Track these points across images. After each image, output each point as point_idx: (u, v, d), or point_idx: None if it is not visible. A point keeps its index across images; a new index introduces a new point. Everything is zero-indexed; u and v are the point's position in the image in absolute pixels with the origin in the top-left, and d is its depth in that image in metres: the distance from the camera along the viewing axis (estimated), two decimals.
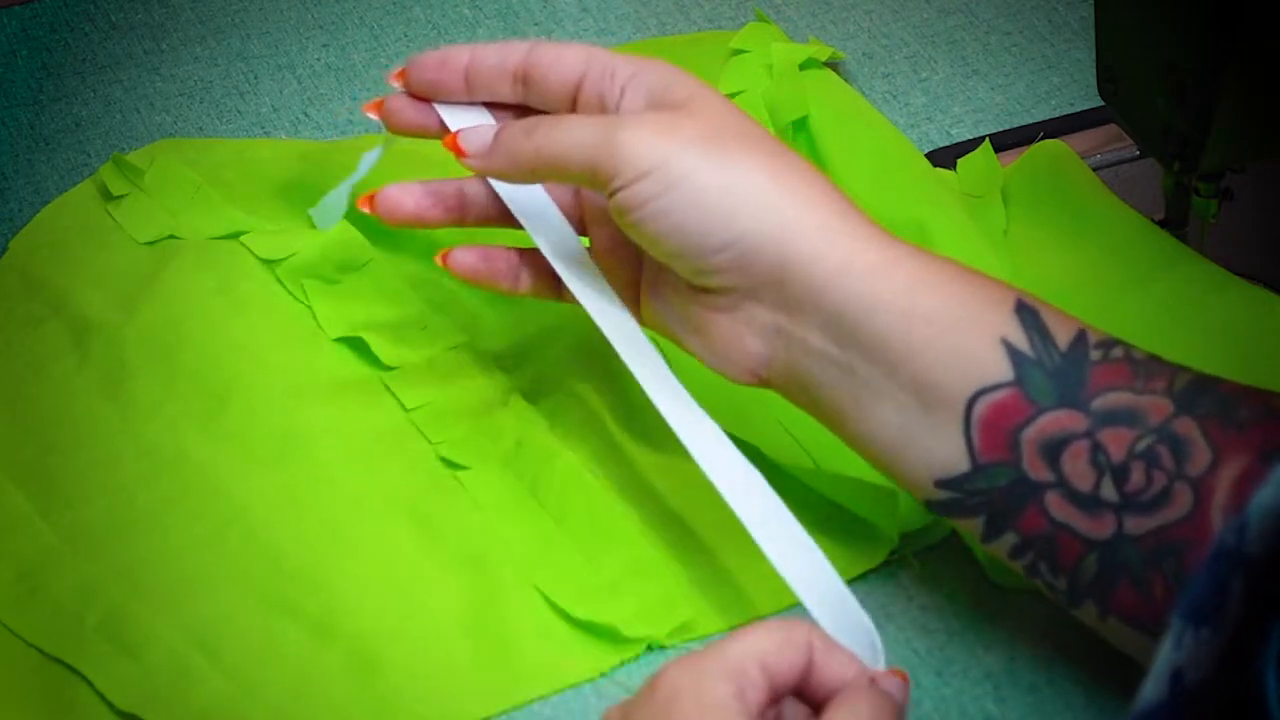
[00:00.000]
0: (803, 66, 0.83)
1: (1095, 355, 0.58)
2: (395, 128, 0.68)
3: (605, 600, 0.66)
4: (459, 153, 0.64)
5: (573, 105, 0.63)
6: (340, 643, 0.65)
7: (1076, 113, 0.86)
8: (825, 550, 0.68)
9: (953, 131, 0.86)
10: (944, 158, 0.84)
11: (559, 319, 0.75)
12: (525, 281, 0.68)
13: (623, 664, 0.65)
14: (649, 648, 0.66)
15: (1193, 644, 0.45)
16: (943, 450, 0.58)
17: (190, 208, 0.80)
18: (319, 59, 0.92)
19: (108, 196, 0.82)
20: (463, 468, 0.70)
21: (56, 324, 0.76)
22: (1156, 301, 0.74)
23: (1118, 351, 0.58)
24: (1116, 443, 0.57)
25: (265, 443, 0.71)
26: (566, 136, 0.61)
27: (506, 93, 0.65)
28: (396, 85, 0.67)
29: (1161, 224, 0.78)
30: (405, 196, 0.67)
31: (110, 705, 0.64)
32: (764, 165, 0.59)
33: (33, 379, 0.75)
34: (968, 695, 0.64)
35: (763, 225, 0.59)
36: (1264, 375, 0.70)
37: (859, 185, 0.79)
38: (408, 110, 0.67)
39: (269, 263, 0.77)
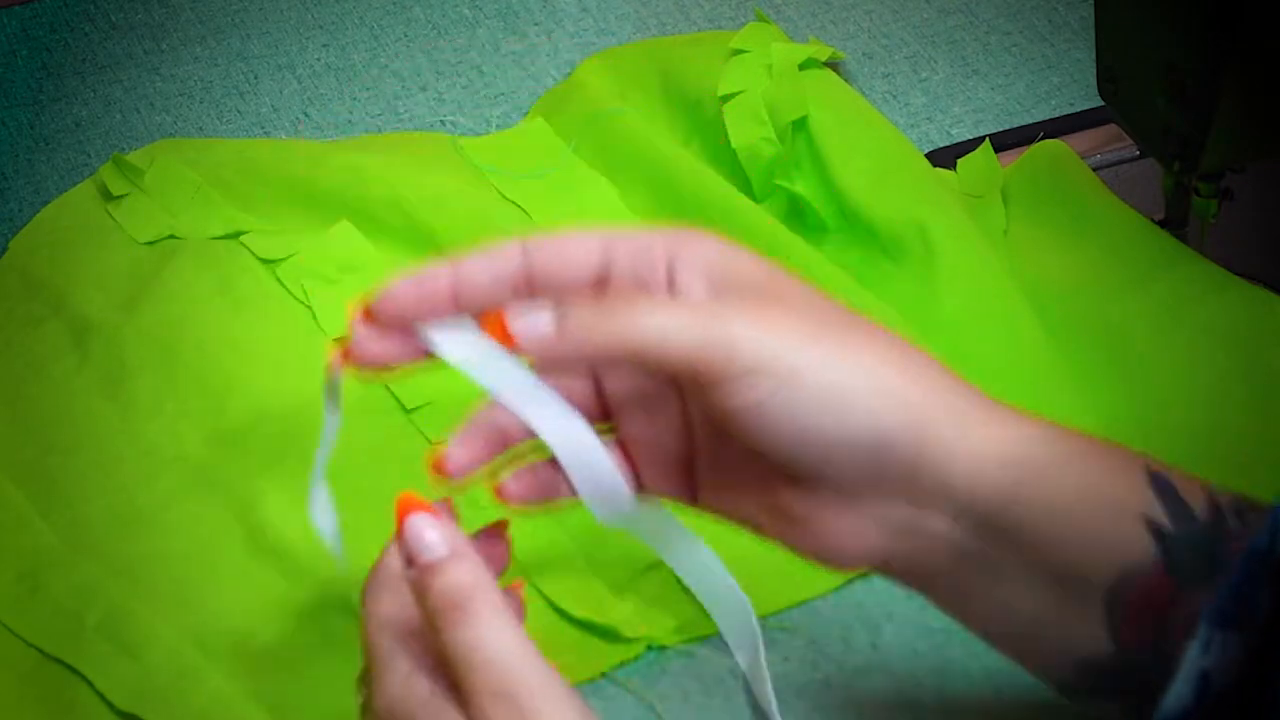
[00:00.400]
0: (802, 66, 0.83)
1: (1233, 523, 0.53)
2: (369, 364, 0.56)
3: (605, 600, 0.66)
4: (508, 341, 0.54)
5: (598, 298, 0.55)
6: (340, 642, 0.65)
7: (1076, 113, 0.86)
8: None
9: (953, 131, 0.86)
10: (944, 158, 0.84)
11: None
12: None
13: (623, 664, 0.65)
14: (649, 647, 0.66)
15: (1220, 648, 0.44)
16: (1083, 635, 0.53)
17: (190, 208, 0.80)
18: (319, 59, 0.92)
19: (108, 196, 0.82)
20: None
21: (56, 324, 0.76)
22: (1156, 301, 0.74)
23: (1253, 517, 0.53)
24: None
25: (265, 443, 0.71)
26: (661, 325, 0.52)
27: (505, 298, 0.55)
28: (361, 327, 0.55)
29: (1161, 224, 0.78)
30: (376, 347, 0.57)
31: (110, 705, 0.64)
32: (883, 353, 0.53)
33: (33, 379, 0.75)
34: (968, 695, 0.64)
35: (895, 416, 0.53)
36: (1264, 375, 0.71)
37: (859, 185, 0.79)
38: (376, 343, 0.56)
39: (269, 262, 0.78)
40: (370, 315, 0.55)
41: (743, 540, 0.69)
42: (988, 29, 0.92)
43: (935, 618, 0.66)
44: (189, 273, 0.77)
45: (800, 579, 0.68)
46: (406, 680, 0.51)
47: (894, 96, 0.89)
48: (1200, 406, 0.70)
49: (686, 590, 0.67)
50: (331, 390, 0.57)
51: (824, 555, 0.55)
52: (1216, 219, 0.76)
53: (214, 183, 0.81)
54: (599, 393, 0.57)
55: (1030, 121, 0.86)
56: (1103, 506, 0.52)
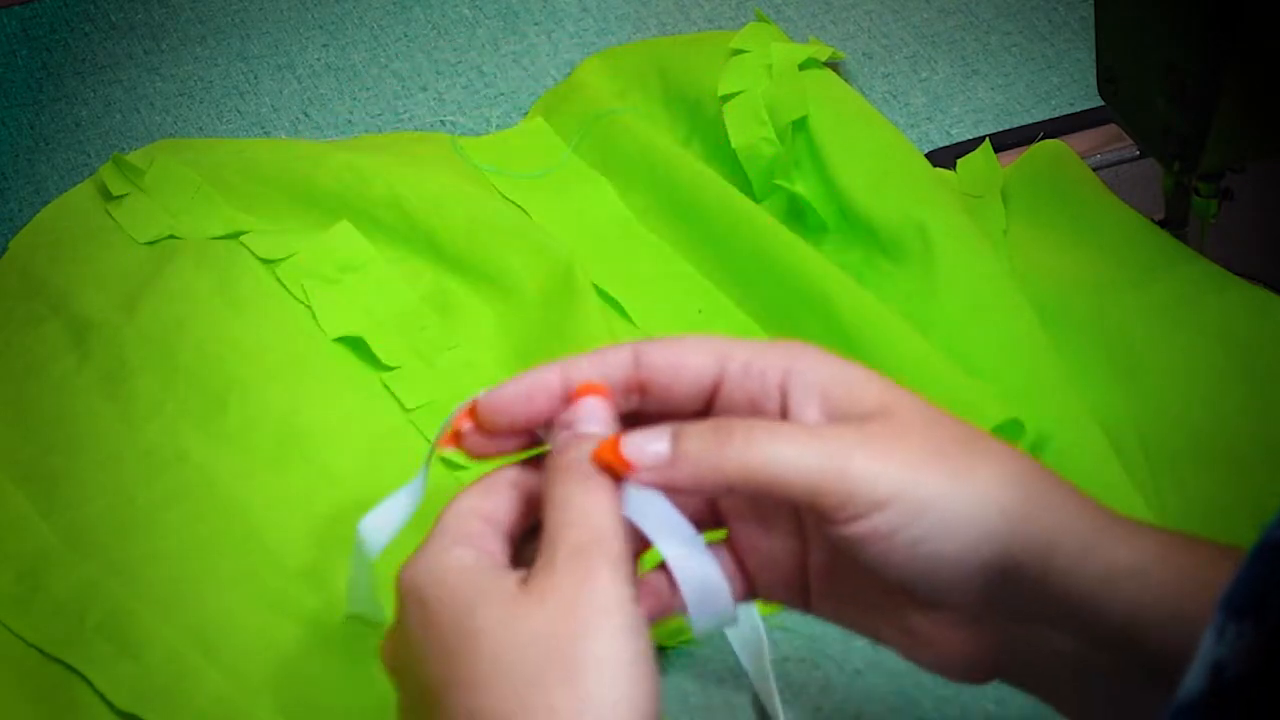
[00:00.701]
0: (802, 67, 0.83)
1: None
2: (483, 457, 0.55)
3: None
4: (624, 466, 0.52)
5: (707, 411, 0.55)
6: (340, 642, 0.65)
7: (1076, 113, 0.87)
8: None
9: (953, 131, 0.86)
10: (944, 158, 0.84)
11: (559, 318, 0.75)
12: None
13: None
14: None
15: (1234, 638, 0.44)
16: None
17: (190, 208, 0.81)
18: (319, 59, 0.92)
19: (108, 196, 0.82)
20: (462, 468, 0.70)
21: (56, 324, 0.76)
22: (1156, 301, 0.74)
23: None
24: None
25: (265, 442, 0.71)
26: (782, 456, 0.51)
27: (622, 405, 0.55)
28: (467, 428, 0.55)
29: (1161, 224, 0.78)
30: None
31: (110, 705, 0.64)
32: (1005, 473, 0.53)
33: (33, 379, 0.75)
34: (968, 695, 0.64)
35: (1021, 539, 0.52)
36: (1263, 375, 0.71)
37: (859, 186, 0.79)
38: (487, 444, 0.55)
39: (269, 262, 0.78)
40: (477, 418, 0.54)
41: None
42: (988, 29, 0.92)
43: None
44: (189, 273, 0.77)
45: None
46: (447, 550, 0.50)
47: (894, 96, 0.89)
48: (1199, 406, 0.70)
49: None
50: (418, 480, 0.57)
51: (945, 668, 0.54)
52: (1216, 219, 0.76)
53: (214, 183, 0.81)
54: (711, 500, 0.57)
55: (1030, 121, 0.86)
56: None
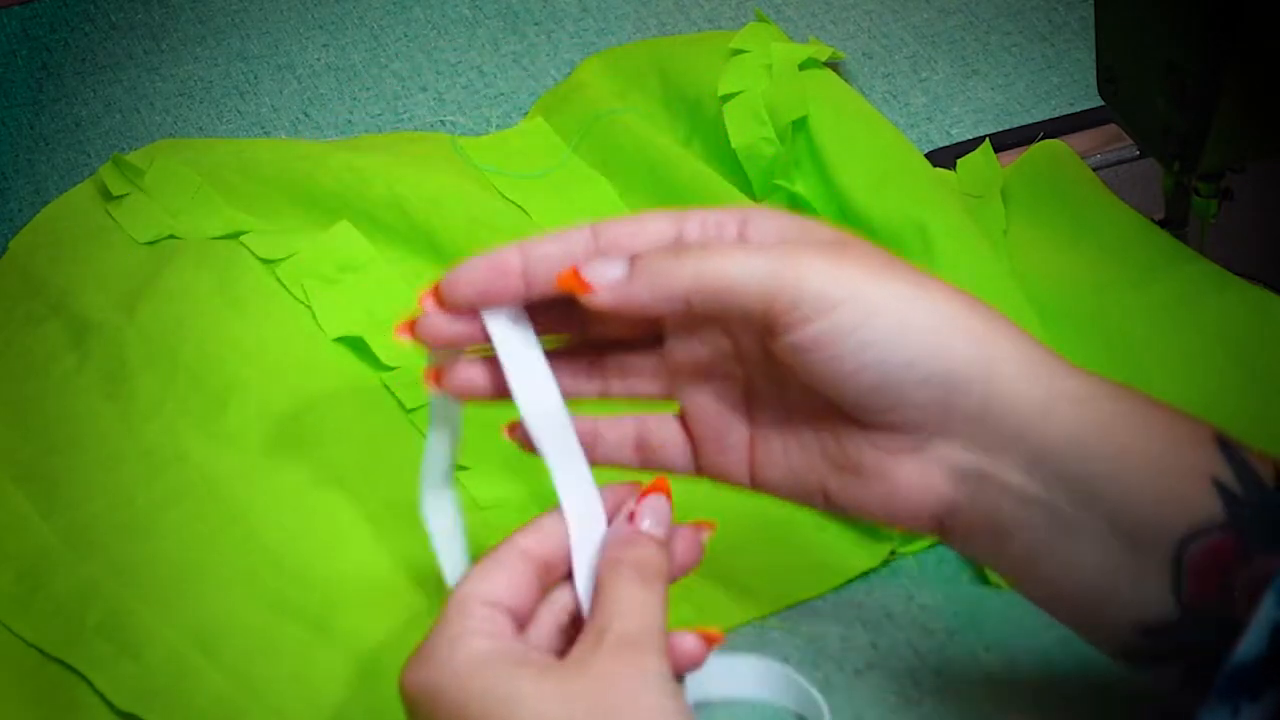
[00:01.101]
0: (802, 67, 0.83)
1: None
2: (435, 344, 0.56)
3: None
4: (583, 287, 0.54)
5: None
6: (340, 642, 0.65)
7: (1076, 113, 0.87)
8: (824, 550, 0.68)
9: (953, 131, 0.86)
10: (944, 158, 0.84)
11: None
12: (601, 455, 0.59)
13: None
14: None
15: None
16: (1149, 595, 0.53)
17: (190, 208, 0.81)
18: (319, 59, 0.92)
19: (108, 196, 0.82)
20: (462, 468, 0.70)
21: (56, 323, 0.76)
22: (1156, 301, 0.74)
23: None
24: None
25: (265, 442, 0.71)
26: (735, 265, 0.53)
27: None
28: (428, 305, 0.56)
29: (1161, 224, 0.78)
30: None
31: (110, 705, 0.64)
32: (953, 294, 0.54)
33: (33, 379, 0.75)
34: (968, 695, 0.64)
35: (967, 354, 0.53)
36: (1263, 375, 0.71)
37: (859, 185, 0.79)
38: (445, 324, 0.56)
39: (269, 262, 0.78)
40: (439, 295, 0.55)
41: (742, 542, 0.69)
42: (988, 29, 0.92)
43: (935, 618, 0.66)
44: (189, 273, 0.77)
45: (800, 579, 0.68)
46: (454, 645, 0.51)
47: (894, 96, 0.89)
48: (1199, 406, 0.70)
49: (684, 589, 0.67)
50: (440, 406, 0.58)
51: (892, 509, 0.55)
52: (1216, 219, 0.77)
53: (214, 183, 0.81)
54: (668, 370, 0.58)
55: (1030, 121, 0.86)
56: (1173, 464, 0.52)
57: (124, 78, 0.92)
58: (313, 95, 0.90)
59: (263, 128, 0.89)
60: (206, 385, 0.73)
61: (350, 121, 0.89)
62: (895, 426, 0.54)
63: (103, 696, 0.64)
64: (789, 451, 0.57)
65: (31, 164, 0.87)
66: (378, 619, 0.66)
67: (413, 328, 0.56)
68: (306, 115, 0.89)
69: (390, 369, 0.74)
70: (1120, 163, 0.84)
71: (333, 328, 0.75)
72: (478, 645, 0.50)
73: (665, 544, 0.53)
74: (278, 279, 0.77)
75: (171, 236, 0.80)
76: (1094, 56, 0.76)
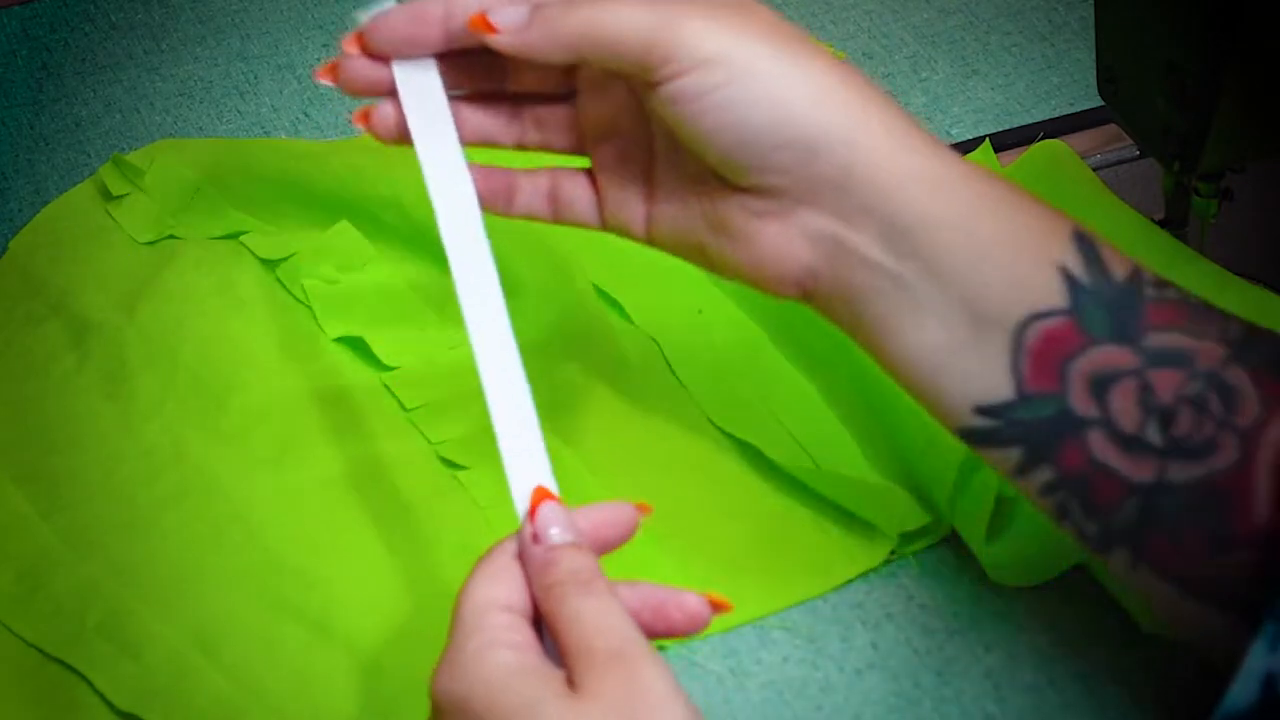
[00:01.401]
0: None
1: (1150, 292, 0.55)
2: (353, 89, 0.61)
3: None
4: (489, 29, 0.57)
5: None
6: (340, 642, 0.65)
7: (1076, 113, 0.87)
8: (824, 550, 0.68)
9: (953, 131, 0.86)
10: None
11: (559, 318, 0.75)
12: (519, 204, 0.63)
13: None
14: None
15: None
16: (988, 375, 0.56)
17: (190, 208, 0.80)
18: (319, 59, 0.92)
19: (108, 197, 0.82)
20: (462, 467, 0.70)
21: (56, 323, 0.76)
22: None
23: (1172, 292, 0.56)
24: (1166, 384, 0.54)
25: (264, 443, 0.71)
26: (619, 15, 0.56)
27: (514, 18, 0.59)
28: (351, 50, 0.60)
29: (1161, 224, 0.78)
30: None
31: (110, 705, 0.64)
32: (831, 66, 0.56)
33: (33, 379, 0.75)
34: (968, 695, 0.64)
35: (832, 123, 0.55)
36: None
37: None
38: (367, 69, 0.60)
39: (269, 262, 0.78)
40: (362, 39, 0.59)
41: (742, 542, 0.69)
42: (988, 29, 0.92)
43: (935, 618, 0.66)
44: (189, 273, 0.77)
45: (800, 579, 0.68)
46: (483, 655, 0.51)
47: (894, 96, 0.89)
48: None
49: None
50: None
51: (758, 271, 0.58)
52: (1216, 219, 0.77)
53: (214, 183, 0.81)
54: (579, 124, 0.61)
55: (1030, 121, 0.86)
56: (1021, 247, 0.55)
57: (124, 78, 0.92)
58: (313, 95, 0.90)
59: (263, 128, 0.89)
60: (206, 385, 0.73)
61: (350, 121, 0.89)
62: (760, 189, 0.57)
63: (103, 696, 0.64)
64: (675, 210, 0.60)
65: (31, 164, 0.87)
66: (378, 619, 0.66)
67: (334, 70, 0.60)
68: (306, 115, 0.89)
69: (391, 369, 0.74)
70: (1120, 163, 0.84)
71: (333, 328, 0.75)
72: (504, 658, 0.51)
73: (580, 543, 0.54)
74: (277, 279, 0.77)
75: (171, 236, 0.80)
76: (1094, 56, 0.76)
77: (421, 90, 0.59)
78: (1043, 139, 0.83)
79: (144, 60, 0.93)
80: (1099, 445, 0.55)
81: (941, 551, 0.68)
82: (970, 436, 0.57)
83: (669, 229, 0.60)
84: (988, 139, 0.83)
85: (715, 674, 0.65)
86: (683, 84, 0.55)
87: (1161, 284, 0.56)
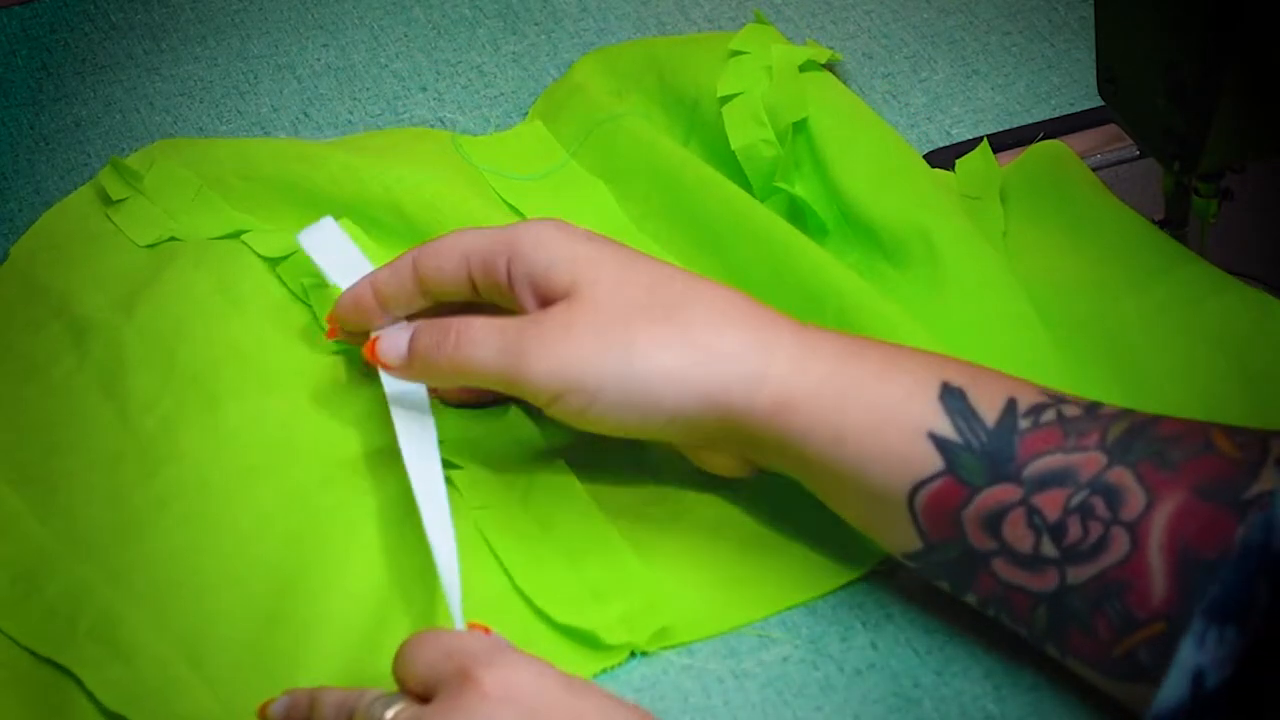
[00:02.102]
0: (802, 69, 0.83)
1: (1024, 424, 0.61)
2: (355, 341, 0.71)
3: (588, 607, 0.66)
4: (382, 365, 0.67)
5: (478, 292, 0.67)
6: (329, 654, 0.64)
7: (1076, 113, 0.86)
8: (814, 556, 0.69)
9: (953, 131, 0.86)
10: (944, 158, 0.84)
11: None
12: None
13: (605, 670, 0.65)
14: (631, 654, 0.66)
15: (1216, 644, 0.45)
16: (899, 534, 0.63)
17: (190, 209, 0.80)
18: (319, 59, 0.92)
19: (107, 201, 0.82)
20: (457, 467, 0.70)
21: (57, 327, 0.76)
22: (1155, 303, 0.74)
23: (1049, 415, 0.61)
24: (1051, 503, 0.60)
25: (261, 445, 0.71)
26: (475, 353, 0.64)
27: (422, 304, 0.68)
28: (333, 334, 0.71)
29: (1161, 224, 0.78)
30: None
31: (101, 707, 0.63)
32: (665, 338, 0.63)
33: (32, 382, 0.75)
34: (968, 695, 0.64)
35: (688, 402, 0.63)
36: (1262, 377, 0.71)
37: (859, 188, 0.79)
38: (355, 339, 0.71)
39: (270, 260, 0.77)
40: (333, 327, 0.71)
41: (735, 547, 0.69)
42: (988, 29, 0.92)
43: (935, 618, 0.66)
44: (188, 272, 0.77)
45: (801, 579, 0.68)
46: (522, 662, 0.58)
47: (894, 96, 0.89)
48: (1199, 408, 0.70)
49: (669, 597, 0.67)
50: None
51: (716, 474, 0.68)
52: (1216, 219, 0.76)
53: (213, 184, 0.81)
54: None
55: (1030, 121, 0.86)
56: (888, 426, 0.62)
57: (124, 78, 0.92)
58: (313, 95, 0.90)
59: (263, 128, 0.89)
60: (204, 385, 0.72)
61: (350, 121, 0.89)
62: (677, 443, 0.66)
63: (93, 698, 0.64)
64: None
65: (31, 164, 0.87)
66: (367, 632, 0.65)
67: (333, 334, 0.71)
68: (306, 115, 0.89)
69: None
70: (1120, 163, 0.84)
71: None
72: (542, 670, 0.57)
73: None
74: (278, 277, 0.77)
75: (172, 238, 0.80)
76: (1094, 56, 0.76)
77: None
78: (1042, 139, 0.83)
79: (144, 60, 0.93)
80: (1004, 569, 0.61)
81: None
82: (910, 568, 0.65)
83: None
84: (985, 139, 0.83)
85: (715, 674, 0.65)
86: (553, 412, 0.64)
87: (1038, 408, 0.61)
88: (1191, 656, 0.46)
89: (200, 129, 0.89)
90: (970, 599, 0.63)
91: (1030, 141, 0.83)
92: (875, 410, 0.62)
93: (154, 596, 0.66)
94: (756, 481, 0.70)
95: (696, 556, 0.68)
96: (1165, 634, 0.57)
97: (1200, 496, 0.58)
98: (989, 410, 0.62)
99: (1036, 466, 0.60)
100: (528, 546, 0.68)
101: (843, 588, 0.68)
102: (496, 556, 0.68)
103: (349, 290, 0.69)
